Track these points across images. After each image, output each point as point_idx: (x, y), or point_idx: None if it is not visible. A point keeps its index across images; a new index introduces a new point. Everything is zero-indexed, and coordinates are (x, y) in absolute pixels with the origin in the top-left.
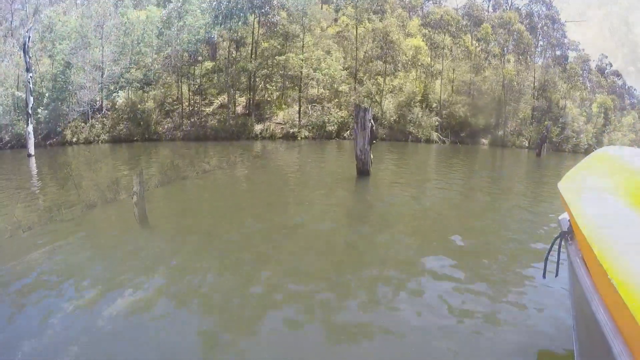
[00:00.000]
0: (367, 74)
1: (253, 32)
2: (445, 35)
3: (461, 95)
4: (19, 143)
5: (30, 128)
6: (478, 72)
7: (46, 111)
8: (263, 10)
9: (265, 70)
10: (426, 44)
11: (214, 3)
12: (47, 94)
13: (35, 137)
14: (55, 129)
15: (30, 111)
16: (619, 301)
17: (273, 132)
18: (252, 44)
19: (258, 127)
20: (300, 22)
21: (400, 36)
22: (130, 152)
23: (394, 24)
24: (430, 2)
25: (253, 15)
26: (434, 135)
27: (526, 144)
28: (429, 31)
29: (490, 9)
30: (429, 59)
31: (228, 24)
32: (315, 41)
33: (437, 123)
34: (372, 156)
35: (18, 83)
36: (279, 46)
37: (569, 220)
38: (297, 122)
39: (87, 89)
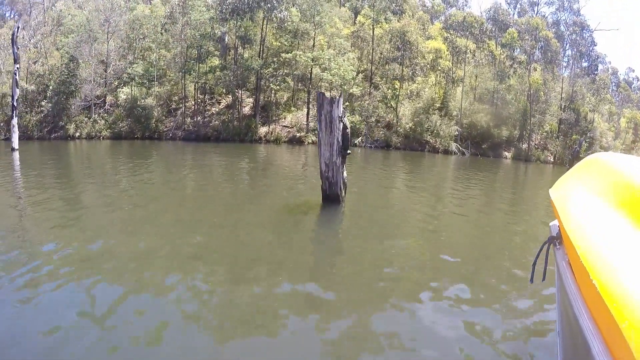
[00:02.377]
0: (384, 78)
1: (262, 29)
2: (467, 39)
3: (484, 103)
4: (25, 135)
5: (15, 121)
6: (502, 80)
7: (50, 104)
8: (270, 5)
9: (271, 68)
10: (447, 48)
11: None
12: (50, 87)
13: (40, 130)
14: (58, 122)
15: (15, 104)
16: (599, 301)
17: (278, 136)
18: (260, 42)
19: (263, 130)
20: (311, 20)
21: (419, 37)
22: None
23: (413, 24)
24: (453, 8)
25: (260, 10)
26: (453, 146)
27: (551, 159)
28: (450, 34)
29: (516, 16)
30: (450, 63)
31: (235, 19)
32: (327, 40)
33: (456, 133)
34: (345, 174)
35: (27, 75)
36: (287, 44)
37: (558, 226)
38: (305, 125)
39: (91, 84)
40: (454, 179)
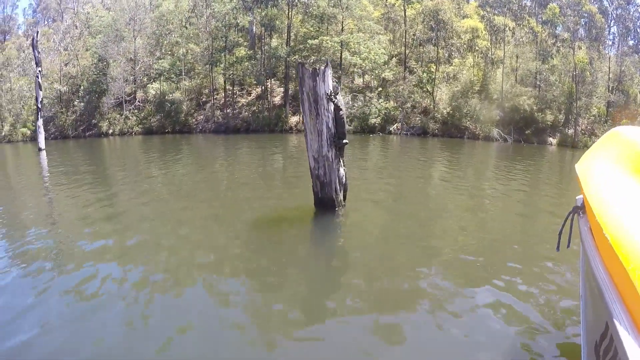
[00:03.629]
0: (419, 62)
1: (289, 17)
2: (505, 17)
3: (526, 86)
4: (62, 134)
5: (40, 122)
6: (545, 60)
7: (82, 103)
8: None
9: (297, 56)
10: (484, 27)
11: None
12: (82, 87)
13: (75, 129)
14: (91, 120)
15: (39, 105)
16: (617, 264)
17: None
18: (287, 29)
19: (294, 119)
20: (338, 3)
21: (454, 16)
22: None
23: (446, 2)
24: None
25: None
26: (494, 132)
27: None
28: (487, 11)
29: None
30: (489, 43)
31: (258, 7)
32: (356, 23)
33: (497, 118)
34: (343, 171)
35: (60, 77)
36: (313, 29)
37: (582, 197)
38: None
39: (121, 81)
40: (495, 169)
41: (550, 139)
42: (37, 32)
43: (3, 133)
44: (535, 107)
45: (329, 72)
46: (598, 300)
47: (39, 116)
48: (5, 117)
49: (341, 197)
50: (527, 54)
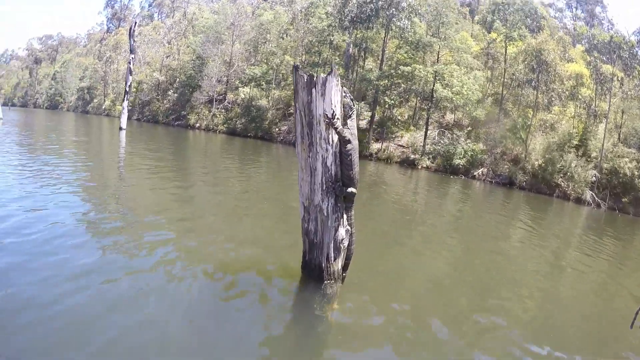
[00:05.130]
0: (516, 105)
1: (384, 40)
2: (614, 65)
3: (630, 146)
4: (154, 119)
5: (125, 104)
6: None
7: (176, 94)
8: (388, 13)
9: (386, 81)
10: (590, 74)
11: (339, 5)
12: (178, 79)
13: (166, 117)
14: (181, 112)
15: (127, 89)
16: None
17: (391, 155)
18: (381, 52)
19: (375, 146)
20: (436, 32)
21: (557, 58)
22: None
23: (551, 43)
24: (598, 28)
25: (380, 19)
26: (588, 195)
27: None
28: (594, 57)
29: None
30: (593, 93)
31: (355, 28)
32: (453, 55)
33: (593, 178)
34: (344, 232)
35: (161, 67)
36: (406, 56)
37: None
38: (422, 147)
39: (213, 80)
40: (582, 238)
41: None
42: (135, 23)
43: (104, 107)
44: (637, 173)
45: (335, 84)
46: None
47: (125, 98)
48: (108, 94)
49: (337, 267)
50: (635, 110)
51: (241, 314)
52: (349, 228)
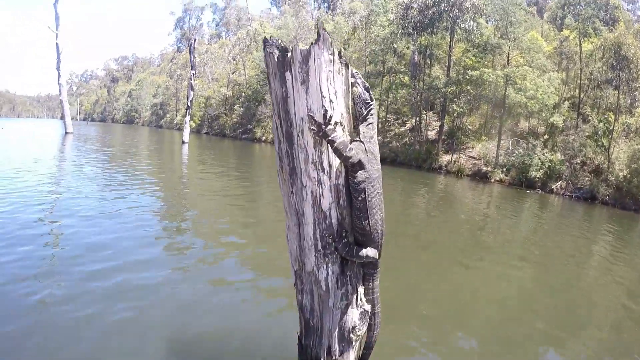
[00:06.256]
0: (595, 109)
1: (450, 45)
2: None
3: None
4: (221, 133)
5: (187, 119)
6: None
7: (242, 108)
8: (452, 15)
9: (455, 87)
10: None
11: (401, 12)
12: (243, 94)
13: (233, 130)
14: (247, 125)
15: (189, 104)
16: None
17: (461, 167)
18: (447, 58)
19: (445, 158)
20: (505, 33)
21: (639, 51)
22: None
23: (629, 36)
24: None
25: (444, 22)
26: None
27: None
28: None
29: None
30: None
31: (419, 34)
32: (523, 55)
33: None
34: (363, 315)
35: (228, 83)
36: (473, 59)
37: None
38: (494, 159)
39: None
40: None
41: None
42: (195, 40)
43: (175, 121)
44: None
45: (327, 61)
46: None
47: (187, 113)
48: (180, 109)
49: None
50: None
51: None
52: (367, 308)
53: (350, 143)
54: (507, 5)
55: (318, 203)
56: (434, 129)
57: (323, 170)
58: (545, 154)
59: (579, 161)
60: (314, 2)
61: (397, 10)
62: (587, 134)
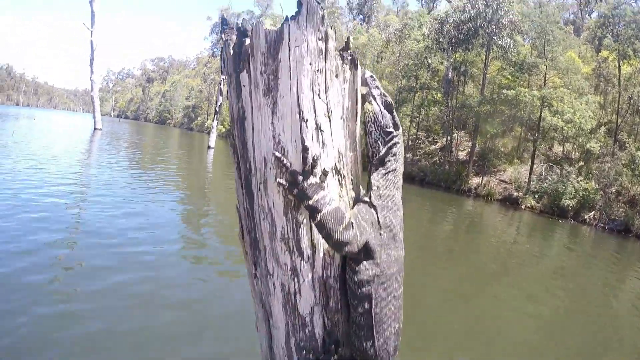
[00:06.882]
0: (633, 135)
1: (485, 62)
2: None
3: None
4: None
5: (215, 123)
6: None
7: None
8: (488, 31)
9: (489, 106)
10: None
11: (436, 26)
12: None
13: None
14: None
15: (217, 109)
16: None
17: (491, 191)
18: (482, 76)
19: (475, 181)
20: (542, 52)
21: None
22: None
23: None
24: None
25: (480, 39)
26: None
27: None
28: None
29: None
30: None
31: (454, 50)
32: (561, 77)
33: None
34: None
35: None
36: (509, 78)
37: None
38: (526, 184)
39: None
40: None
41: None
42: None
43: (206, 125)
44: None
45: (314, 53)
46: None
47: (215, 118)
48: (211, 113)
49: None
50: None
51: None
52: None
53: (353, 207)
54: (545, 23)
55: (292, 303)
56: (464, 149)
57: (301, 253)
58: (580, 182)
59: (613, 190)
60: (349, 14)
61: (432, 24)
62: (623, 162)
